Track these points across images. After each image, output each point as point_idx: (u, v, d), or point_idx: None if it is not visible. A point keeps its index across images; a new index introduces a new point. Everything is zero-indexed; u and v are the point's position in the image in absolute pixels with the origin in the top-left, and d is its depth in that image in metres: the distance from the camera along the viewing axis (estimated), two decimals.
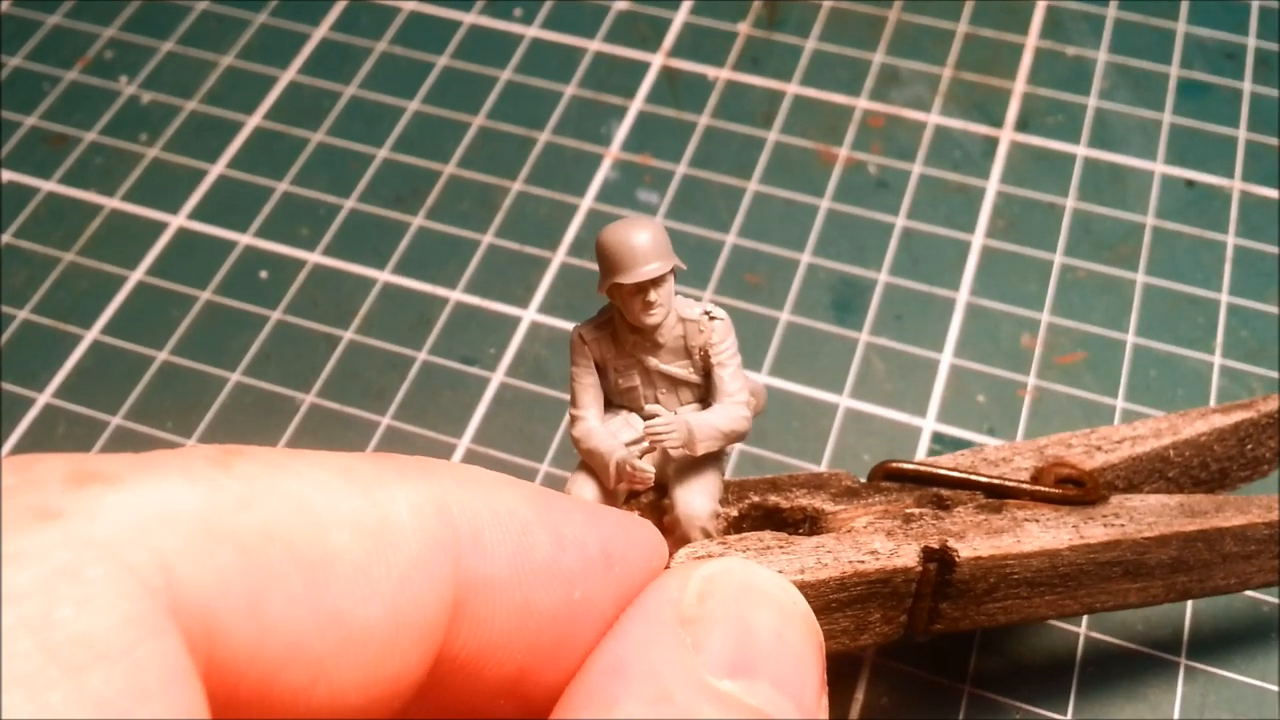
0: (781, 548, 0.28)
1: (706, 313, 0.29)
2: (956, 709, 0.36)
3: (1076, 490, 0.31)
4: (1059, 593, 0.30)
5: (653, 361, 0.29)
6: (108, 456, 0.18)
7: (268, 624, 0.18)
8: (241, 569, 0.17)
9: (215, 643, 0.17)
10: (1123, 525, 0.30)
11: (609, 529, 0.24)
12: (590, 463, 0.30)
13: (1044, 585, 0.30)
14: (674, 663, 0.21)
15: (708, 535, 0.29)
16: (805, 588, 0.26)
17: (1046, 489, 0.31)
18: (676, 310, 0.29)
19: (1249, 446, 0.34)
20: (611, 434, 0.29)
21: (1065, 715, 0.36)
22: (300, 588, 0.18)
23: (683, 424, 0.29)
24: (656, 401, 0.30)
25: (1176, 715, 0.36)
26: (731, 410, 0.29)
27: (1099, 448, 0.33)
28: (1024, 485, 0.31)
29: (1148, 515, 0.31)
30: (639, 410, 0.30)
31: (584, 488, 0.30)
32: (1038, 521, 0.30)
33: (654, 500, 0.30)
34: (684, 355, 0.30)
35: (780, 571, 0.26)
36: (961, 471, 0.31)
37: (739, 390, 0.30)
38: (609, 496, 0.30)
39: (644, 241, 0.28)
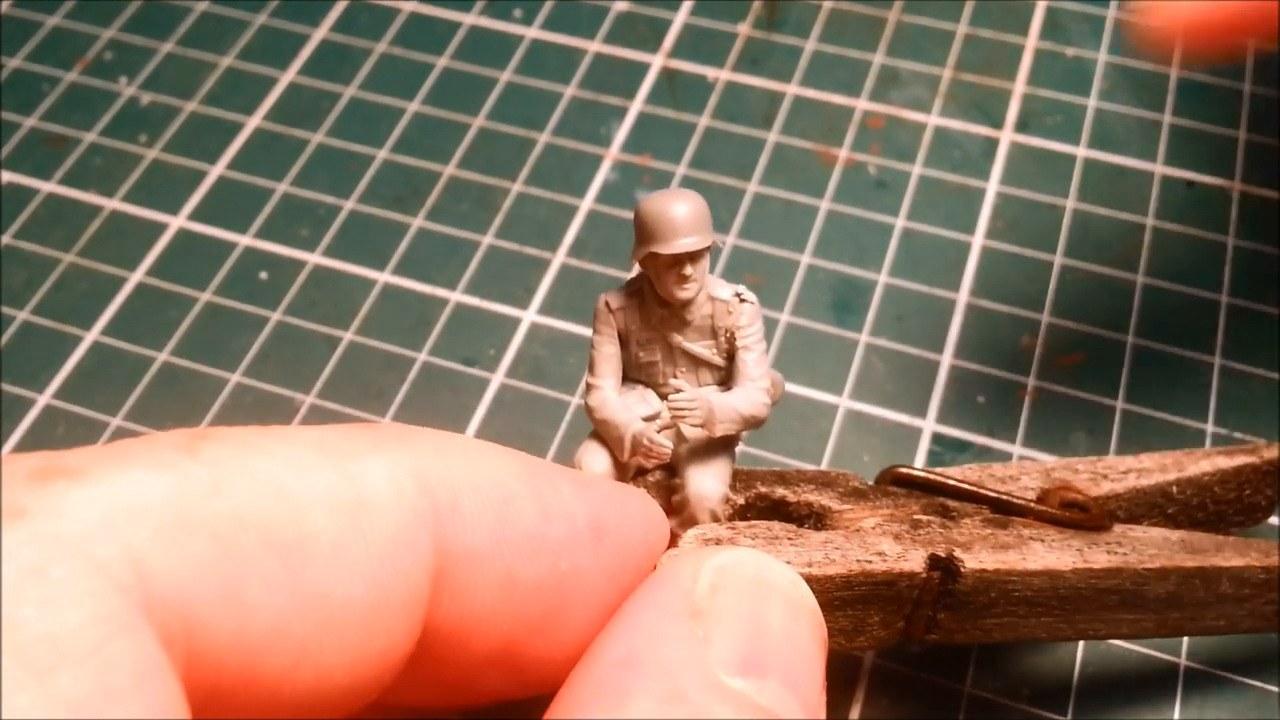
0: (790, 539, 0.28)
1: (738, 294, 0.29)
2: (956, 710, 0.36)
3: (1081, 515, 0.31)
4: (1055, 615, 0.30)
5: (677, 338, 0.29)
6: (74, 451, 0.18)
7: (246, 611, 0.17)
8: (215, 557, 0.17)
9: (193, 634, 0.17)
10: (1125, 554, 0.30)
11: (599, 501, 0.23)
12: (603, 433, 0.29)
13: (1042, 606, 0.30)
14: (687, 658, 0.21)
15: (716, 519, 0.29)
16: (811, 582, 0.26)
17: (1053, 510, 0.31)
18: (707, 289, 0.29)
19: (1247, 492, 0.34)
20: (627, 406, 0.29)
21: (1065, 716, 0.36)
22: (277, 571, 0.18)
23: (705, 402, 0.28)
24: (675, 379, 0.29)
25: (1176, 716, 0.36)
26: (753, 395, 0.29)
27: (1105, 476, 0.33)
28: (1031, 504, 0.31)
29: (1150, 547, 0.31)
30: (655, 387, 0.30)
31: (595, 458, 0.29)
32: (1043, 541, 0.30)
33: (662, 480, 0.30)
34: (709, 335, 0.29)
35: (789, 563, 0.26)
36: (969, 484, 0.31)
37: (761, 376, 0.29)
38: (620, 469, 0.29)
39: (685, 213, 0.28)
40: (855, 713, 0.36)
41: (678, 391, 0.29)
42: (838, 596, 0.27)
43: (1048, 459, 0.40)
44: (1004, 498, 0.31)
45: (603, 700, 0.20)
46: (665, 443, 0.28)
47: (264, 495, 0.18)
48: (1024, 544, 0.29)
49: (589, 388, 0.29)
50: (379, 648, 0.19)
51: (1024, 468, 0.33)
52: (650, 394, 0.30)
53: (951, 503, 0.31)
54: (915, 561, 0.28)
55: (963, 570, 0.28)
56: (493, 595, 0.21)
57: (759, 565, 0.24)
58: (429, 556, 0.20)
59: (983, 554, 0.29)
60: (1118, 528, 0.31)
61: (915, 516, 0.30)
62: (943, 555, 0.28)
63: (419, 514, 0.20)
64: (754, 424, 0.29)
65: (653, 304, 0.29)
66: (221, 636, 0.17)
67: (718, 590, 0.23)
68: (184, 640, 0.17)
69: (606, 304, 0.29)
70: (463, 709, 0.24)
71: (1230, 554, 0.31)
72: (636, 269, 0.29)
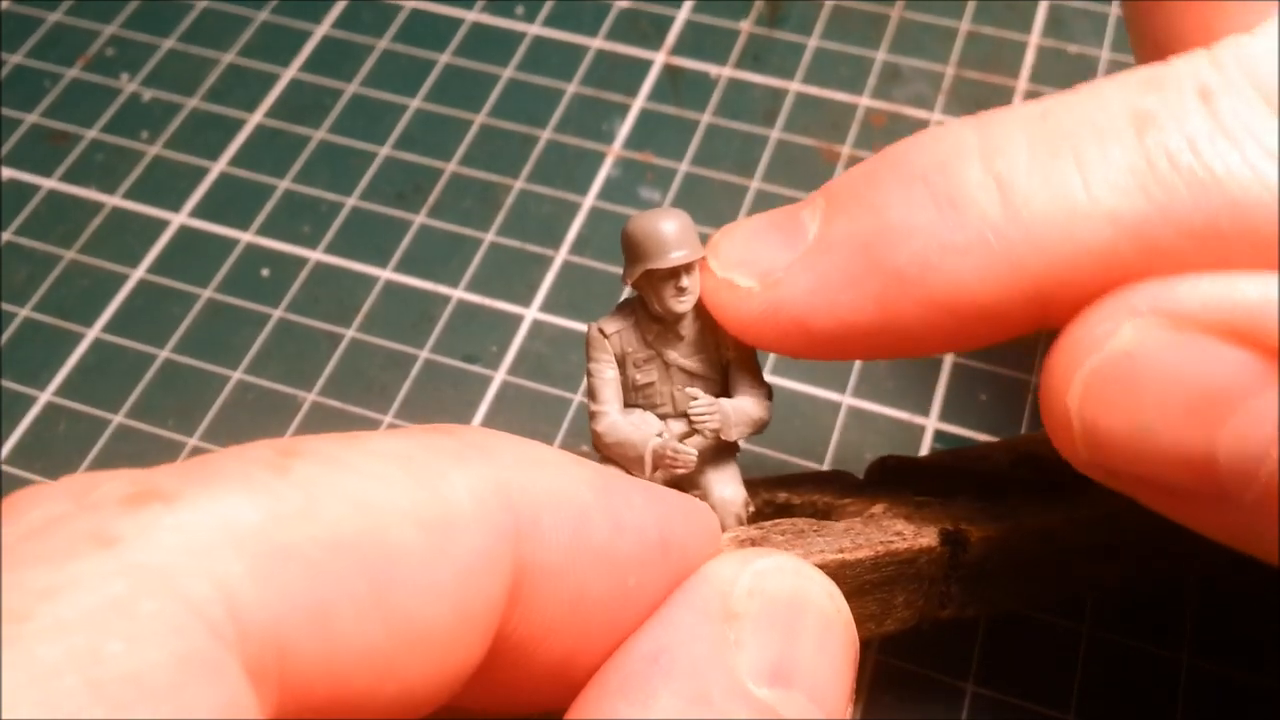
0: (816, 531, 0.28)
1: None
2: (959, 708, 0.36)
3: (1061, 478, 0.32)
4: (1052, 574, 0.31)
5: (673, 355, 0.29)
6: (166, 470, 0.18)
7: (337, 635, 0.17)
8: (308, 582, 0.17)
9: (284, 661, 0.17)
10: (1105, 506, 0.31)
11: (669, 512, 0.23)
12: (618, 457, 0.29)
13: (1039, 568, 0.31)
14: (716, 661, 0.21)
15: (741, 522, 0.29)
16: (844, 568, 0.27)
17: (1035, 477, 0.32)
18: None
19: None
20: (636, 426, 0.29)
21: (1068, 714, 0.36)
22: (367, 594, 0.18)
23: (721, 407, 0.29)
24: (673, 398, 0.30)
25: (1180, 715, 0.36)
26: (758, 397, 0.30)
27: None
28: (1014, 475, 0.32)
29: (1123, 497, 0.31)
30: (653, 408, 0.30)
31: None
32: (1033, 506, 0.31)
33: None
34: (701, 349, 0.30)
35: (821, 552, 0.27)
36: (952, 464, 0.32)
37: (759, 380, 0.30)
38: None
39: (674, 228, 0.28)
40: (857, 711, 0.36)
41: (694, 399, 0.29)
42: (866, 580, 0.28)
43: None
44: (991, 472, 0.32)
45: (629, 695, 0.21)
46: (689, 450, 0.28)
47: (355, 516, 0.18)
48: (1017, 511, 0.30)
49: (595, 415, 0.30)
50: (458, 661, 0.20)
51: (993, 446, 0.34)
52: (650, 417, 0.30)
53: (942, 483, 0.32)
54: (930, 536, 0.29)
55: (971, 540, 0.29)
56: (562, 610, 0.21)
57: (798, 574, 0.24)
58: (508, 573, 0.20)
59: (985, 523, 0.30)
60: (1094, 488, 0.32)
61: (916, 499, 0.31)
62: (951, 528, 0.29)
63: (502, 531, 0.20)
64: (762, 426, 0.30)
65: (647, 323, 0.29)
66: (312, 661, 0.17)
67: (755, 595, 0.23)
68: (275, 669, 0.17)
69: (600, 330, 0.30)
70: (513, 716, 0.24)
71: None
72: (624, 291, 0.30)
